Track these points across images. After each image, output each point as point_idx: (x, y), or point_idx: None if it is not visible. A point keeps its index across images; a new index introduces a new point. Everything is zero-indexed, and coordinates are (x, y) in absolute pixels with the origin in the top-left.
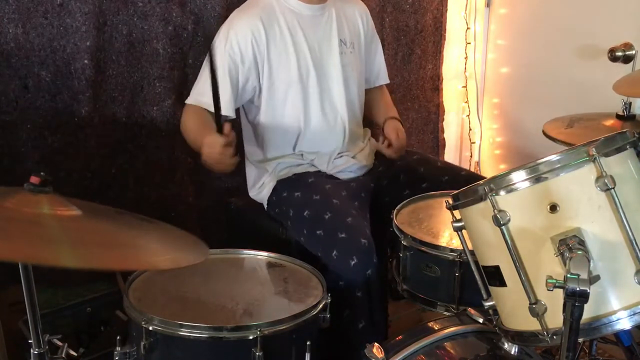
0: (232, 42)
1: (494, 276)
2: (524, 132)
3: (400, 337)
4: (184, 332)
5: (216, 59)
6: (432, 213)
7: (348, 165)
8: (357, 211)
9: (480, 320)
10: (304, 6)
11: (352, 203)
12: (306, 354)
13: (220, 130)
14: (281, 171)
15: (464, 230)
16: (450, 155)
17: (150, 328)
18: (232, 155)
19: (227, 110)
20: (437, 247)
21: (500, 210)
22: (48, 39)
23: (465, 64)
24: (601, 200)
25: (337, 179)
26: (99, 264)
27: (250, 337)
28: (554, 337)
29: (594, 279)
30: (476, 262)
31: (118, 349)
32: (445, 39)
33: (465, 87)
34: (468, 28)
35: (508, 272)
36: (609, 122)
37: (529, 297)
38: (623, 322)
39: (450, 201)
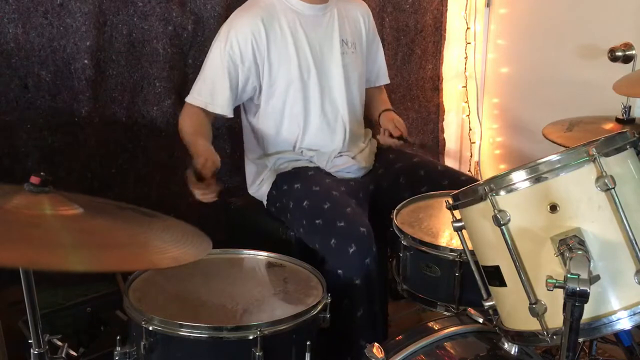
0: (232, 42)
1: (494, 276)
2: (524, 132)
3: (400, 337)
4: (184, 332)
5: (216, 58)
6: (432, 213)
7: (347, 166)
8: (356, 205)
9: (480, 320)
10: (305, 6)
11: (350, 198)
12: (306, 354)
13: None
14: (281, 165)
15: (464, 230)
16: (450, 155)
17: (150, 328)
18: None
19: (224, 110)
20: (437, 247)
21: (500, 210)
22: (48, 39)
23: (465, 64)
24: (601, 200)
25: (336, 177)
26: (101, 266)
27: (250, 337)
28: (554, 337)
29: (594, 279)
30: (476, 262)
31: (118, 349)
32: (445, 39)
33: (465, 87)
34: (468, 28)
35: (508, 272)
36: (609, 126)
37: (529, 297)
38: (623, 322)
39: (450, 201)
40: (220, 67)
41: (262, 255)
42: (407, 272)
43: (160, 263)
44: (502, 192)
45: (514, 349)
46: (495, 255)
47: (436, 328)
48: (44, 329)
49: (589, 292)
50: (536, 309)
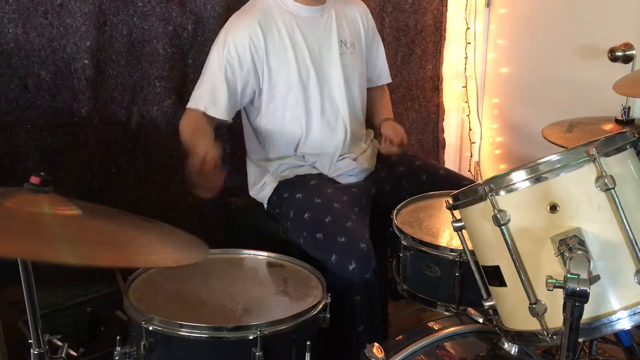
0: (230, 47)
1: (494, 276)
2: (524, 132)
3: (400, 337)
4: (184, 332)
5: (214, 64)
6: (432, 213)
7: (350, 169)
8: (357, 216)
9: (480, 320)
10: (302, 8)
11: (352, 208)
12: (306, 354)
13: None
14: (283, 172)
15: (464, 230)
16: (450, 156)
17: (150, 328)
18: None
19: (223, 115)
20: (437, 247)
21: (500, 210)
22: (48, 39)
23: (465, 64)
24: (601, 200)
25: (338, 183)
26: (99, 261)
27: (250, 337)
28: (554, 337)
29: (594, 279)
30: (476, 262)
31: (118, 349)
32: (445, 39)
33: (465, 87)
34: (468, 28)
35: (508, 272)
36: (608, 127)
37: (529, 297)
38: (623, 322)
39: (450, 201)
40: (219, 73)
41: (262, 255)
42: (407, 272)
43: (158, 262)
44: (502, 192)
45: (514, 349)
46: (495, 255)
47: (436, 328)
48: (44, 329)
49: (589, 292)
50: (536, 309)
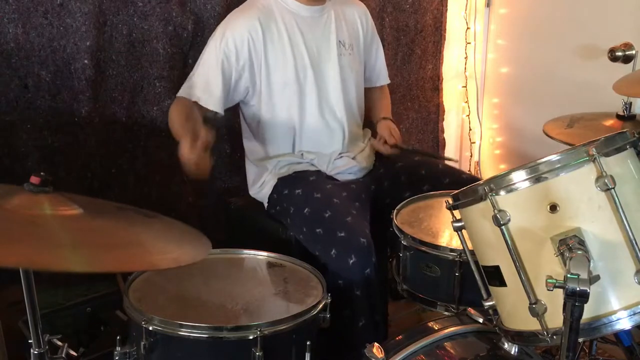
0: (228, 40)
1: (494, 276)
2: (524, 132)
3: (400, 337)
4: (184, 332)
5: (210, 55)
6: (432, 213)
7: (348, 167)
8: (357, 211)
9: (480, 320)
10: (302, 7)
11: (352, 203)
12: (306, 354)
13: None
14: (281, 169)
15: (464, 230)
16: (450, 155)
17: (150, 328)
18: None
19: (217, 106)
20: (437, 247)
21: (500, 210)
22: (48, 39)
23: (465, 64)
24: (601, 200)
25: (337, 180)
26: (101, 266)
27: (250, 337)
28: (554, 337)
29: (594, 279)
30: (476, 262)
31: (118, 349)
32: (445, 39)
33: (465, 87)
34: (468, 28)
35: (508, 272)
36: (609, 122)
37: (529, 297)
38: (623, 322)
39: (450, 201)
40: (214, 64)
41: (262, 255)
42: (407, 272)
43: (160, 264)
44: (502, 192)
45: (514, 349)
46: (495, 255)
47: (436, 328)
48: (44, 329)
49: (588, 292)
50: (536, 309)
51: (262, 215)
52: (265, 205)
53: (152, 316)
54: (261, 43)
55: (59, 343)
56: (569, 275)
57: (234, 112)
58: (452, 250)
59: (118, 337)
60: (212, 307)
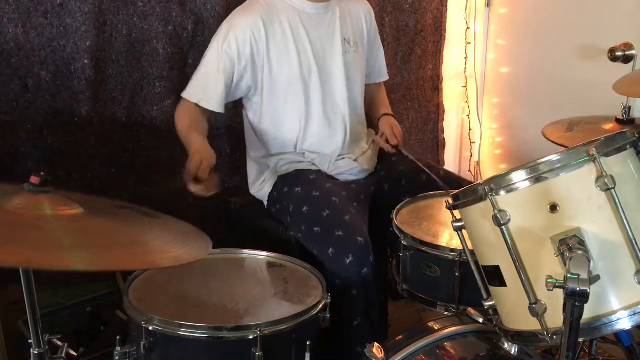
0: (231, 39)
1: (494, 276)
2: (524, 132)
3: (400, 337)
4: (184, 332)
5: (213, 55)
6: (432, 213)
7: (350, 168)
8: (356, 211)
9: (480, 320)
10: (307, 4)
11: (351, 203)
12: (306, 354)
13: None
14: (282, 167)
15: (464, 230)
16: (450, 155)
17: (150, 328)
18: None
19: (216, 106)
20: (437, 247)
21: (500, 210)
22: (48, 39)
23: (465, 64)
24: (601, 200)
25: (337, 180)
26: (101, 266)
27: (250, 337)
28: (554, 337)
29: (594, 279)
30: (476, 262)
31: (118, 349)
32: (445, 39)
33: (465, 87)
34: (468, 28)
35: (508, 272)
36: (609, 126)
37: (529, 297)
38: (623, 322)
39: (450, 201)
40: (216, 64)
41: (262, 255)
42: (407, 272)
43: (160, 262)
44: (502, 192)
45: (514, 349)
46: (495, 255)
47: (436, 328)
48: (44, 329)
49: (589, 292)
50: (536, 309)
51: (262, 215)
52: (266, 203)
53: (152, 316)
54: (264, 42)
55: (59, 343)
56: (569, 275)
57: (234, 111)
58: (452, 250)
59: (118, 337)
60: (212, 307)
